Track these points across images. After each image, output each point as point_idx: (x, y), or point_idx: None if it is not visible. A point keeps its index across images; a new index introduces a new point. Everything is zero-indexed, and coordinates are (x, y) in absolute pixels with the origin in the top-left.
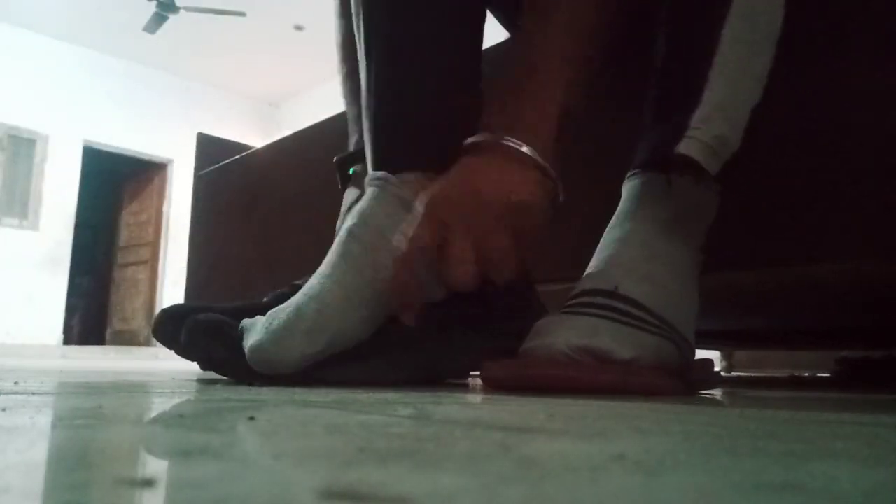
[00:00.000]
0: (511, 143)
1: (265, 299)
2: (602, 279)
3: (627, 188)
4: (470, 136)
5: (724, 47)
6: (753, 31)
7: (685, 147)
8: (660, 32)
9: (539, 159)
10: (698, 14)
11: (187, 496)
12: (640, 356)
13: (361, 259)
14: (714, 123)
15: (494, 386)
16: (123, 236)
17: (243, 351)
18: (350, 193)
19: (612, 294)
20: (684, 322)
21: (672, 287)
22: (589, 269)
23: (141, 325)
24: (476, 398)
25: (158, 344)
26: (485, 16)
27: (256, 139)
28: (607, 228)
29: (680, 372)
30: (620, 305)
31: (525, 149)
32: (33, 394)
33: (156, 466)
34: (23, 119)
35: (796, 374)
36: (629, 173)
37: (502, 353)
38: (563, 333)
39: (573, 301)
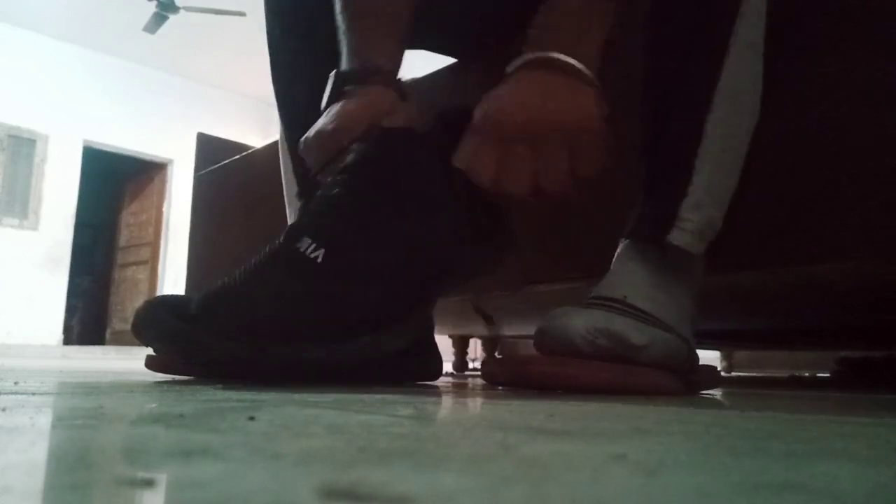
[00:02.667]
0: (569, 60)
1: None
2: (611, 290)
3: (624, 245)
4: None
5: (710, 132)
6: (736, 115)
7: (676, 237)
8: (645, 106)
9: (593, 77)
10: (684, 100)
11: (187, 496)
12: (652, 343)
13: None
14: (703, 211)
15: (494, 382)
16: (123, 236)
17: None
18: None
19: (622, 301)
20: (687, 334)
21: (673, 310)
22: (596, 288)
23: None
24: (476, 398)
25: None
26: None
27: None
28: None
29: (683, 371)
30: (630, 309)
31: (580, 66)
32: (33, 394)
33: (156, 466)
34: (23, 119)
35: (796, 374)
36: (625, 236)
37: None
38: (579, 318)
39: (586, 303)
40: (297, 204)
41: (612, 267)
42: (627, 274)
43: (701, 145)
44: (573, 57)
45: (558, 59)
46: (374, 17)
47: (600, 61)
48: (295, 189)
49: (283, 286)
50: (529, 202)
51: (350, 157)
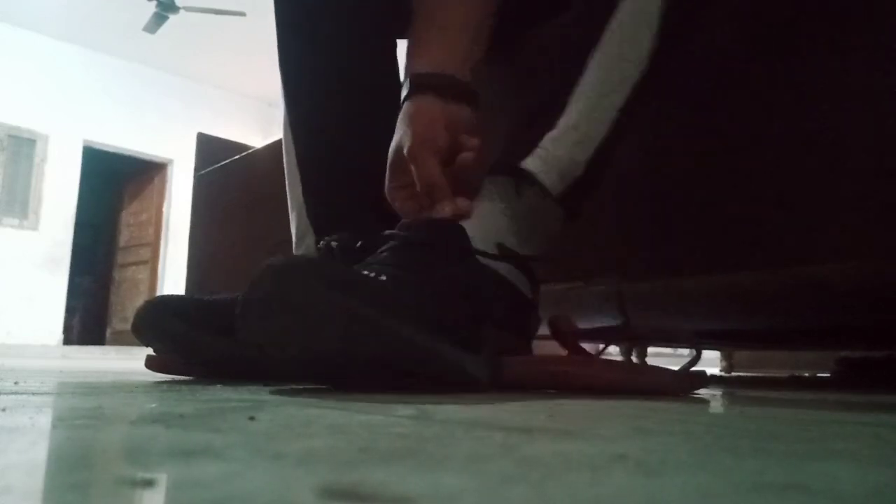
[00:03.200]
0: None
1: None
2: (484, 242)
3: (484, 184)
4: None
5: (590, 71)
6: (621, 62)
7: (531, 163)
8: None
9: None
10: (572, 37)
11: (187, 496)
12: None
13: None
14: (565, 148)
15: (505, 382)
16: (123, 236)
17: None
18: None
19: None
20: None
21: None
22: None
23: None
24: (477, 398)
25: None
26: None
27: (256, 139)
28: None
29: (680, 372)
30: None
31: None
32: (33, 394)
33: (156, 466)
34: (23, 119)
35: (796, 374)
36: (489, 171)
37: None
38: None
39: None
40: (309, 232)
41: (476, 207)
42: (493, 216)
43: (578, 83)
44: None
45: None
46: (456, 30)
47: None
48: (303, 211)
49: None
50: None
51: (395, 242)
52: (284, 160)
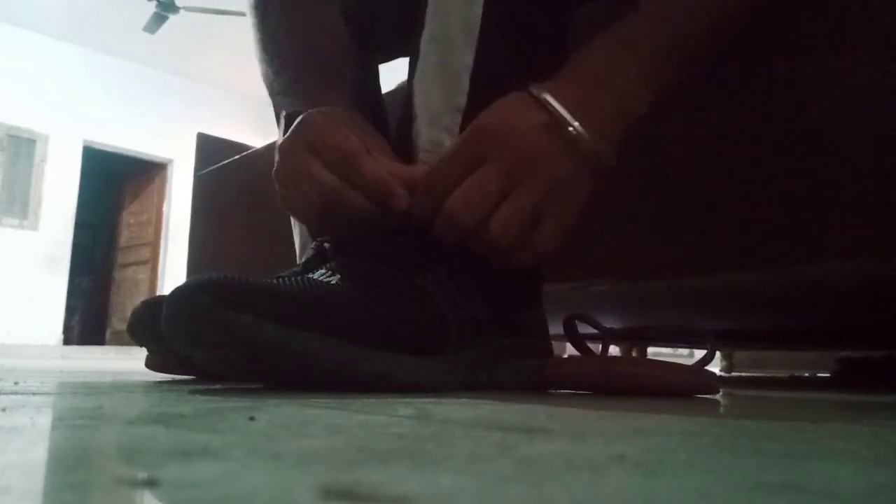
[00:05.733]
0: (566, 117)
1: None
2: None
3: None
4: None
5: (424, 55)
6: (447, 28)
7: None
8: None
9: (594, 148)
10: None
11: (187, 496)
12: None
13: None
14: (424, 134)
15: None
16: (123, 236)
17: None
18: None
19: None
20: None
21: None
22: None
23: None
24: (476, 398)
25: None
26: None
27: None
28: None
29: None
30: None
31: (580, 128)
32: (33, 394)
33: (156, 466)
34: (23, 119)
35: (796, 374)
36: None
37: None
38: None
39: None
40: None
41: None
42: None
43: (417, 64)
44: (578, 119)
45: (555, 109)
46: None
47: (619, 141)
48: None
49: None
50: (461, 242)
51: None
52: None
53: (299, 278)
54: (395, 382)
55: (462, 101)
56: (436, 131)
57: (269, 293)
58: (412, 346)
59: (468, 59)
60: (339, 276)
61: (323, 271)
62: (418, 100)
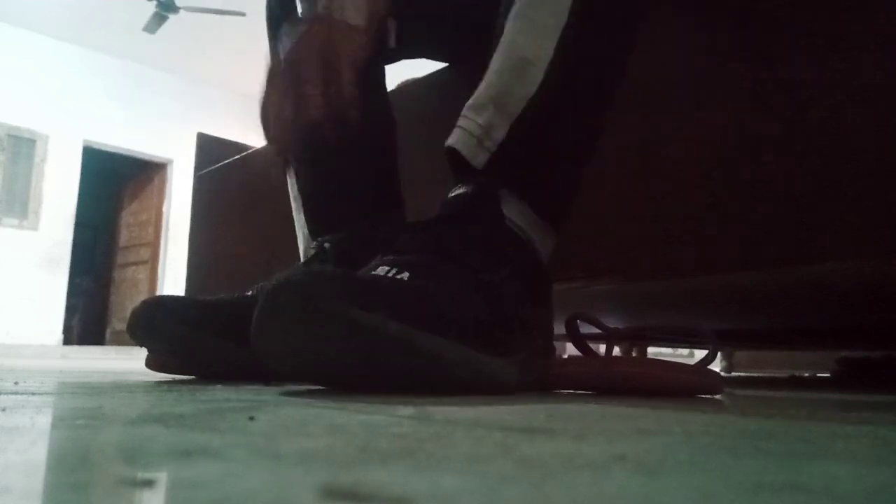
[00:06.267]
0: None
1: (249, 293)
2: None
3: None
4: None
5: (507, 37)
6: (532, 28)
7: (451, 139)
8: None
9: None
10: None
11: (187, 496)
12: None
13: None
14: (478, 111)
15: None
16: (123, 236)
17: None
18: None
19: None
20: None
21: None
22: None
23: None
24: (476, 398)
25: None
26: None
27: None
28: None
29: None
30: None
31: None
32: (33, 394)
33: (156, 466)
34: (23, 119)
35: (796, 374)
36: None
37: None
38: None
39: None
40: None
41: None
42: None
43: (497, 48)
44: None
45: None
46: None
47: None
48: (307, 233)
49: None
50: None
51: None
52: (289, 184)
53: (372, 273)
54: (492, 383)
55: (531, 91)
56: (496, 116)
57: (388, 290)
58: (492, 345)
59: (547, 48)
60: (407, 273)
61: (386, 268)
62: (486, 80)
